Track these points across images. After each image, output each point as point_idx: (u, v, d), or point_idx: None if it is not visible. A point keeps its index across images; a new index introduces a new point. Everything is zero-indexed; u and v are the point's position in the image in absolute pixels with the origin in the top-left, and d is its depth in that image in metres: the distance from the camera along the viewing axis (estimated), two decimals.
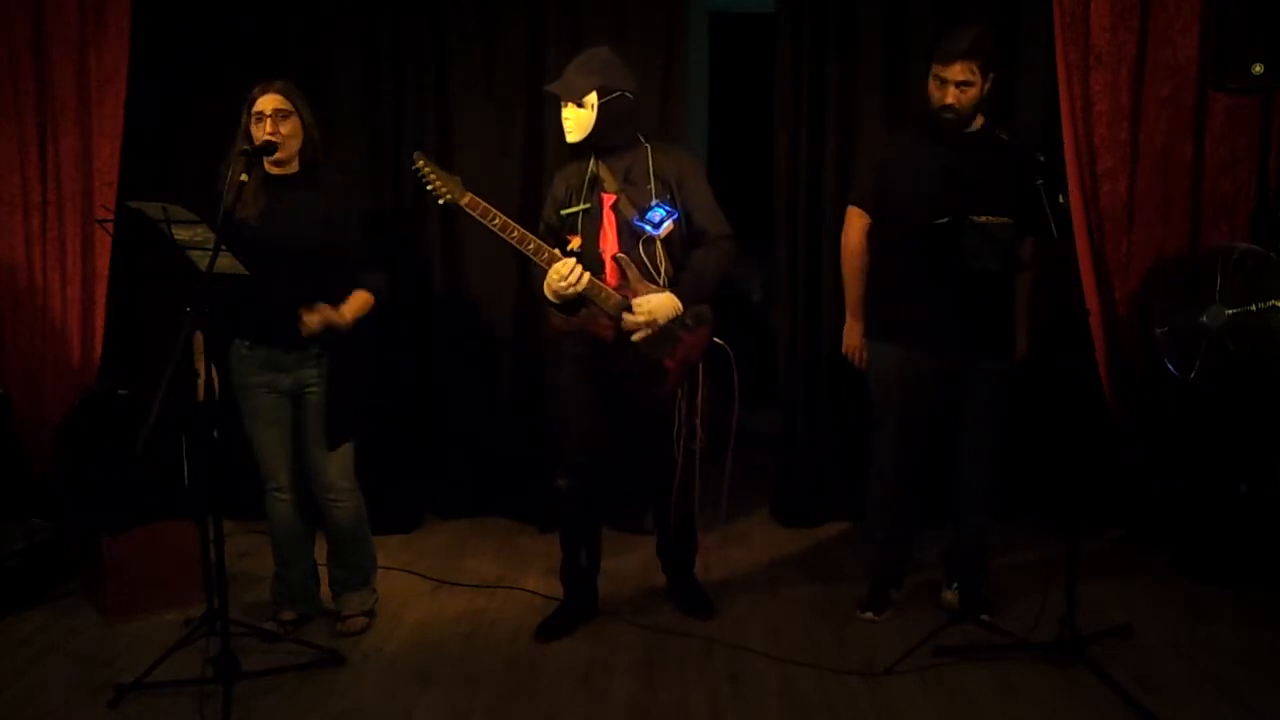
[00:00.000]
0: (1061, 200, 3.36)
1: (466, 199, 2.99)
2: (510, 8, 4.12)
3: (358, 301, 3.14)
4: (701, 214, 3.16)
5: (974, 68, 3.02)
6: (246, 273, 2.86)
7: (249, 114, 3.03)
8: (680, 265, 3.14)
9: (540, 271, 3.06)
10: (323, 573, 3.41)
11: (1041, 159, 2.94)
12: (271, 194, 3.07)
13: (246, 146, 2.96)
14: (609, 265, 3.10)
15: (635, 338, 3.07)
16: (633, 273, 3.08)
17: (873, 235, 3.31)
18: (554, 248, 3.06)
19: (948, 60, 3.02)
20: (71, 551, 3.65)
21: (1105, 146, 3.73)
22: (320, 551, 3.40)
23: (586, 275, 3.01)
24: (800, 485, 4.29)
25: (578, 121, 3.06)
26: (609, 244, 3.11)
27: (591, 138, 3.08)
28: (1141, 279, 3.77)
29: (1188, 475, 3.80)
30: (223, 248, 2.71)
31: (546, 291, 3.06)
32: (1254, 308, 3.41)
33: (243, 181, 2.87)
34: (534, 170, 4.15)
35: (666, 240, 3.10)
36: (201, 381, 2.99)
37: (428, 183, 2.97)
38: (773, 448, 4.38)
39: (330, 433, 3.17)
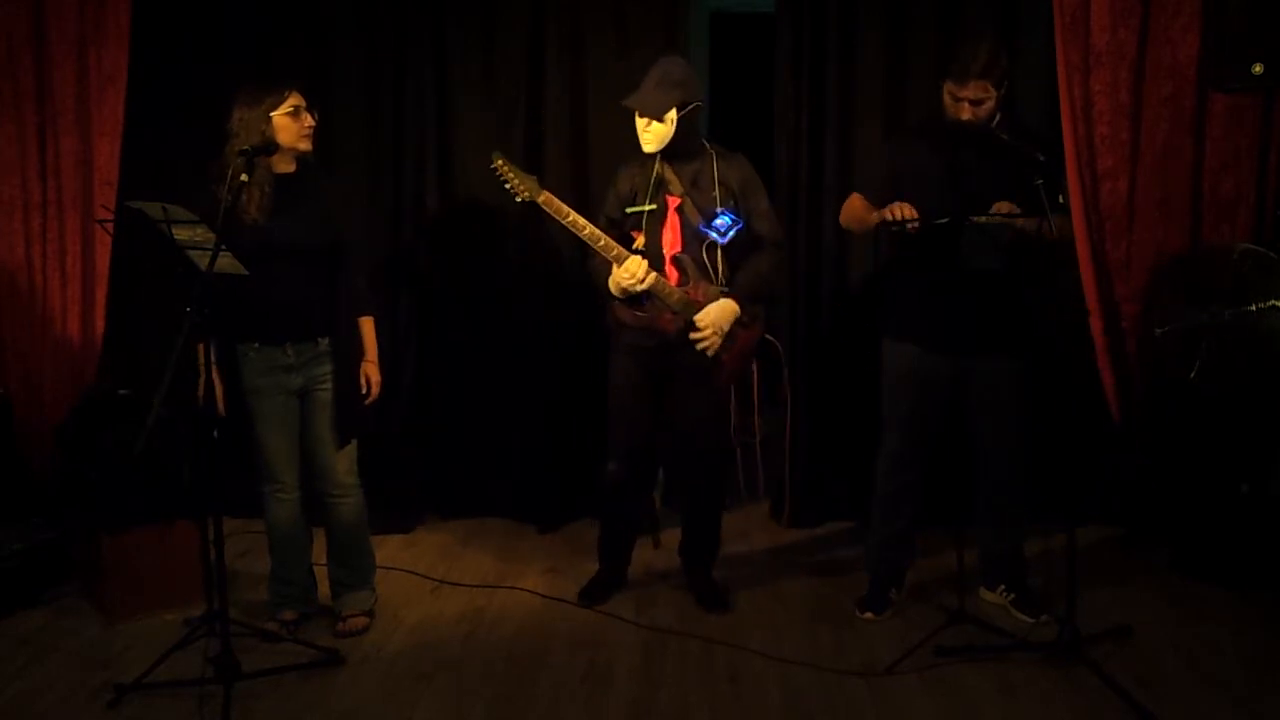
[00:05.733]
0: (1061, 200, 3.37)
1: (543, 197, 3.17)
2: (510, 8, 4.12)
3: (372, 334, 3.30)
4: (761, 222, 3.30)
5: (988, 85, 3.03)
6: (246, 273, 2.86)
7: (270, 111, 3.02)
8: (735, 267, 3.28)
9: (603, 268, 3.22)
10: (321, 573, 3.41)
11: (1041, 159, 2.93)
12: (278, 192, 3.07)
13: (248, 146, 2.96)
14: (669, 265, 3.23)
15: (704, 349, 3.20)
16: (692, 272, 3.22)
17: (889, 236, 3.33)
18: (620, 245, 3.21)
19: (963, 80, 3.03)
20: (72, 551, 3.64)
21: (1105, 146, 3.72)
22: (319, 551, 3.40)
23: (653, 274, 3.16)
24: (800, 485, 4.29)
25: (656, 135, 3.20)
26: (671, 244, 3.23)
27: (666, 147, 3.21)
28: (1141, 279, 3.77)
29: (1188, 475, 3.80)
30: (222, 248, 2.71)
31: (612, 287, 3.21)
32: (1254, 308, 3.41)
33: (244, 181, 2.87)
34: (534, 168, 4.13)
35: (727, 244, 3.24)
36: (202, 381, 2.99)
37: (505, 181, 3.17)
38: (772, 448, 4.38)
39: (341, 429, 3.20)
